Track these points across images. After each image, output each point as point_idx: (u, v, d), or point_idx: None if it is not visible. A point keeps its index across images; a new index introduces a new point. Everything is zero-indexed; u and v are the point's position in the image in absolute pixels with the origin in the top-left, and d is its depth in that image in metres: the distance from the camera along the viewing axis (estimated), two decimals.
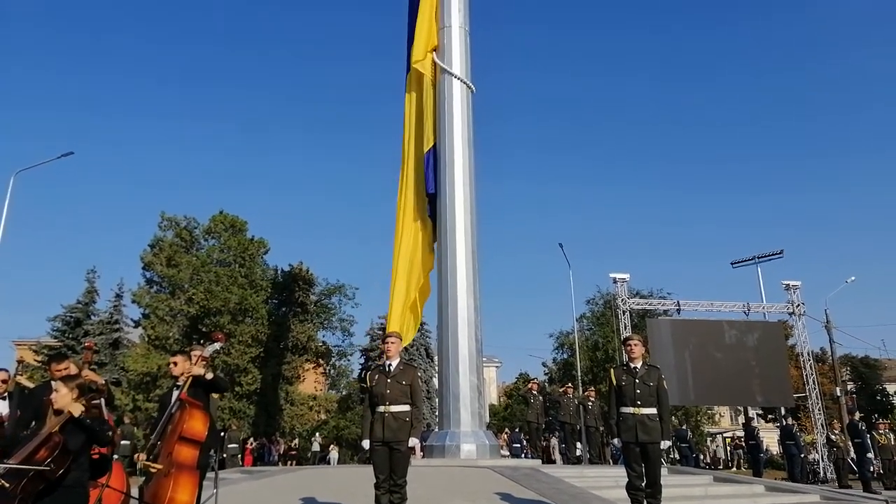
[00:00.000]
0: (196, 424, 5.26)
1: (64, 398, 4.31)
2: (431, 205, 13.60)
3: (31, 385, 6.73)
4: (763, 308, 23.26)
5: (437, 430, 12.48)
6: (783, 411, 23.04)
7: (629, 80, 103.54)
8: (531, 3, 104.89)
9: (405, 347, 27.27)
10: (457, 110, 13.70)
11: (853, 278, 32.39)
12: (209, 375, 5.64)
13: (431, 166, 13.50)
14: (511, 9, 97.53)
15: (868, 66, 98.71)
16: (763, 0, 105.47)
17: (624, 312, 21.59)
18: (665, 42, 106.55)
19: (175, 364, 5.82)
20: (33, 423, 5.30)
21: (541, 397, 17.31)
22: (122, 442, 17.07)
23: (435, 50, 14.10)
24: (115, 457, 7.96)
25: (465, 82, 13.91)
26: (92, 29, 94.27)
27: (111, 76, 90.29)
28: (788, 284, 22.77)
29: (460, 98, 13.83)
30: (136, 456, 6.03)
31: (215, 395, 9.97)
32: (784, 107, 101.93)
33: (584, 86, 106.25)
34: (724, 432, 45.61)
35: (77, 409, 4.21)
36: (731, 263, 28.67)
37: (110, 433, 4.29)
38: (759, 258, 27.28)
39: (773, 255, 27.17)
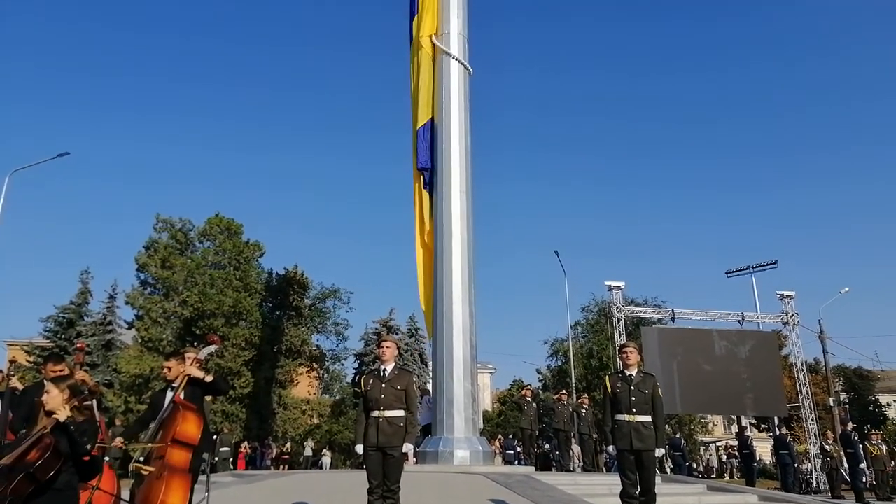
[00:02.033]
0: (190, 427, 5.22)
1: (55, 399, 4.26)
2: (429, 182, 13.62)
3: (20, 386, 6.67)
4: (757, 318, 23.33)
5: (430, 435, 12.45)
6: (776, 421, 23.05)
7: (624, 78, 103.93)
8: (527, 4, 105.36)
9: (400, 353, 27.24)
10: (455, 99, 13.73)
11: (847, 289, 32.54)
12: (208, 378, 5.58)
13: (425, 143, 13.51)
14: (507, 9, 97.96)
15: (866, 67, 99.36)
16: None
17: (619, 320, 21.61)
18: (659, 39, 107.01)
19: (168, 369, 5.77)
20: (26, 423, 5.25)
21: (534, 404, 17.27)
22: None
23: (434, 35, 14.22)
24: (107, 459, 7.89)
25: (462, 63, 14.00)
26: (87, 26, 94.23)
27: (106, 75, 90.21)
28: (783, 294, 22.86)
29: (458, 85, 13.86)
30: (116, 441, 5.95)
31: (208, 398, 9.92)
32: (778, 106, 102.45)
33: (578, 85, 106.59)
34: (718, 441, 45.63)
35: (63, 415, 4.15)
36: (726, 273, 28.74)
37: (88, 446, 4.23)
38: (753, 268, 27.32)
39: (767, 265, 27.23)
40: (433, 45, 14.14)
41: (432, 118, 13.79)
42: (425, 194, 13.70)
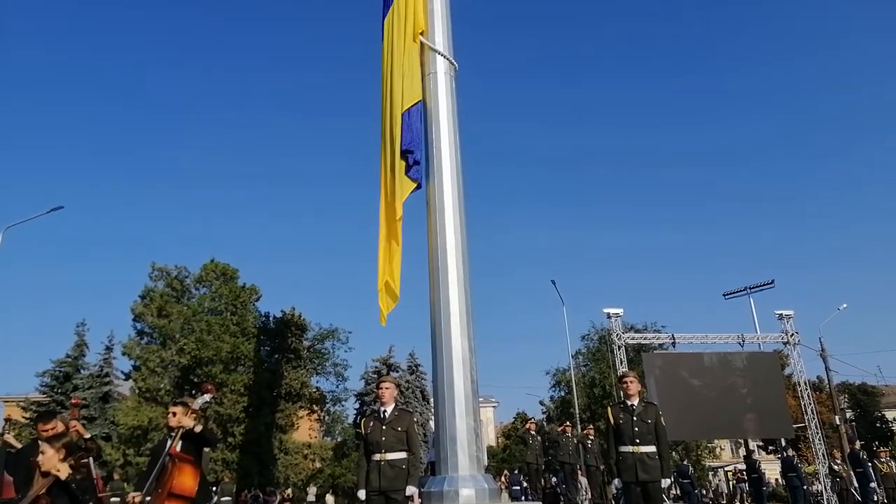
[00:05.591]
0: (186, 480, 5.13)
1: (50, 460, 4.22)
2: (415, 168, 13.05)
3: (17, 445, 6.57)
4: (758, 338, 23.25)
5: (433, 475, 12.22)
6: (783, 442, 22.80)
7: (609, 125, 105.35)
8: (518, 52, 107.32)
9: (401, 390, 26.96)
10: (442, 97, 13.57)
11: (845, 306, 32.51)
12: (198, 428, 5.50)
13: (410, 126, 13.09)
14: (497, 58, 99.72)
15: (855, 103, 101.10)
16: (747, 48, 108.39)
17: (619, 347, 21.50)
18: (645, 77, 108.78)
19: (174, 414, 5.66)
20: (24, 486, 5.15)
21: (539, 437, 17.06)
22: (112, 499, 16.64)
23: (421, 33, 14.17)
24: None
25: (447, 58, 13.92)
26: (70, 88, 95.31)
27: (93, 135, 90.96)
28: (781, 314, 22.81)
29: (444, 79, 13.76)
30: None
31: (206, 448, 9.76)
32: (765, 143, 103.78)
33: (563, 127, 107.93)
34: (726, 466, 45.04)
35: (64, 472, 4.11)
36: (724, 295, 28.76)
37: (91, 503, 4.18)
38: (750, 289, 27.36)
39: (764, 285, 27.28)
40: (420, 42, 14.02)
41: (422, 104, 13.52)
42: (407, 180, 12.92)
